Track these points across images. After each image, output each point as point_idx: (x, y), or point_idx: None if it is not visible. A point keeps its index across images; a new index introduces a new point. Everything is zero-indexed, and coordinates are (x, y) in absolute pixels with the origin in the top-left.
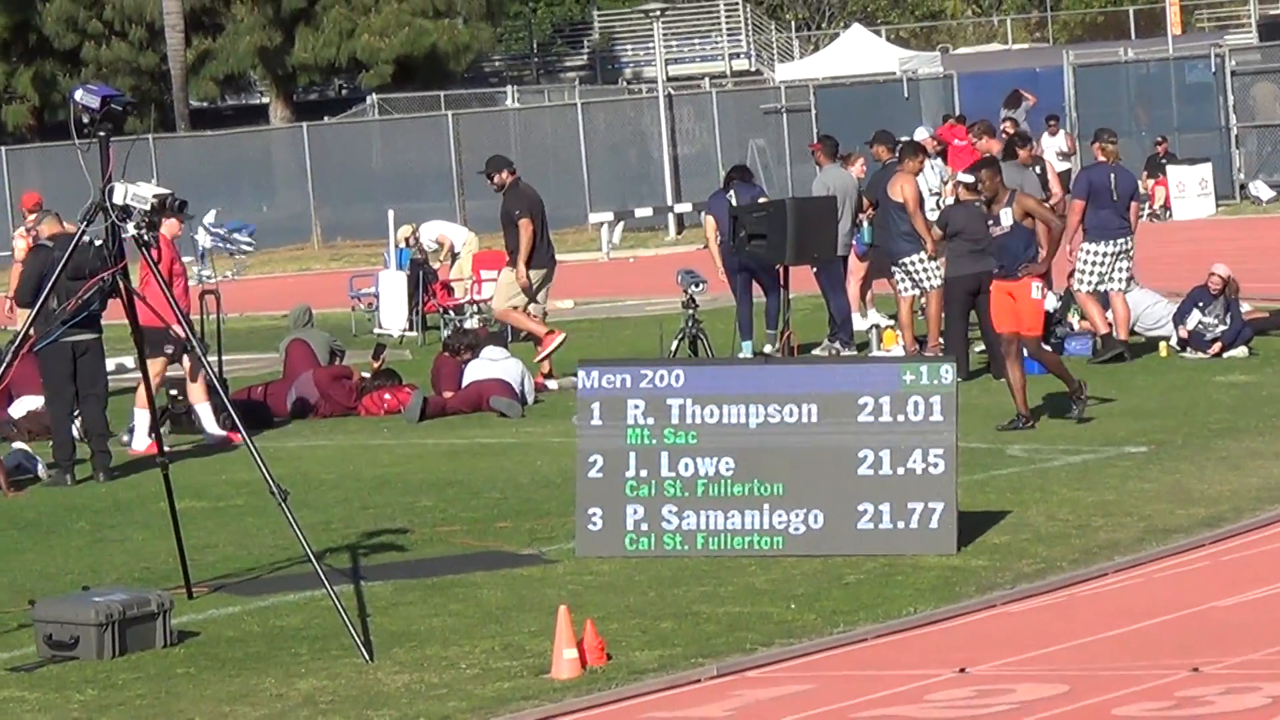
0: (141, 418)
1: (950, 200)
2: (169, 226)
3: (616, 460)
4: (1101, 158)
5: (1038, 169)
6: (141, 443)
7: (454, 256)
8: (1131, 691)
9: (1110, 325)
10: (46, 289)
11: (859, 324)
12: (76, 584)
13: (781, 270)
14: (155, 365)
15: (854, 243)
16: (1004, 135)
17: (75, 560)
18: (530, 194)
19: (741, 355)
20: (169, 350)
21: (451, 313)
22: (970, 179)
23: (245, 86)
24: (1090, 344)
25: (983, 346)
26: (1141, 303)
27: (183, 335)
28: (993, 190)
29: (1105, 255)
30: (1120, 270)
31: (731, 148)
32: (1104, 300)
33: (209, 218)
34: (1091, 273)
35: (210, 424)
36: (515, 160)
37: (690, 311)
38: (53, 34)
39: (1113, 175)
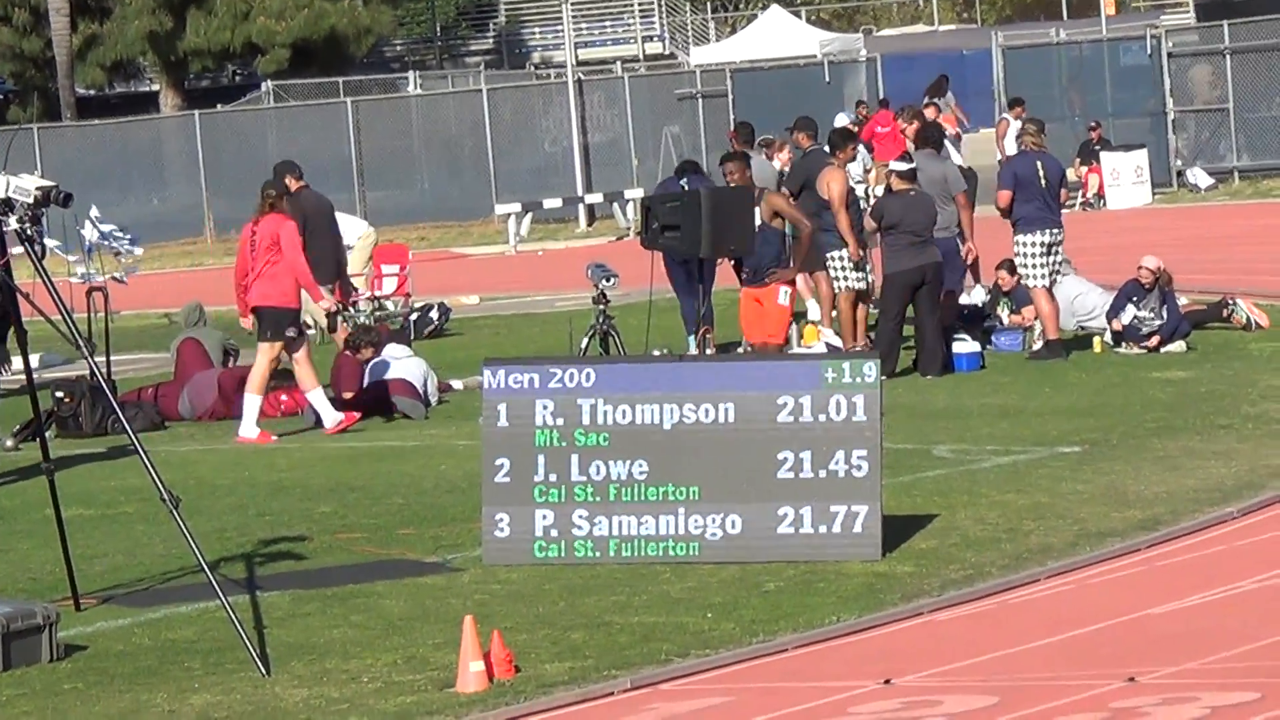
0: (252, 403)
1: (879, 190)
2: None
3: (524, 463)
4: (1023, 147)
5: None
6: (251, 430)
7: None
8: (1064, 703)
9: (1060, 332)
10: None
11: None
12: None
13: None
14: (272, 349)
15: None
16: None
17: None
18: (297, 210)
19: (691, 353)
20: (290, 333)
21: (350, 309)
22: (904, 168)
23: (134, 73)
24: (1021, 339)
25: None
26: (1071, 291)
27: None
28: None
29: (1041, 245)
30: (1054, 264)
31: (644, 135)
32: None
33: (92, 213)
34: (1036, 265)
35: (327, 413)
36: (418, 149)
37: (601, 307)
38: None
39: (1039, 164)
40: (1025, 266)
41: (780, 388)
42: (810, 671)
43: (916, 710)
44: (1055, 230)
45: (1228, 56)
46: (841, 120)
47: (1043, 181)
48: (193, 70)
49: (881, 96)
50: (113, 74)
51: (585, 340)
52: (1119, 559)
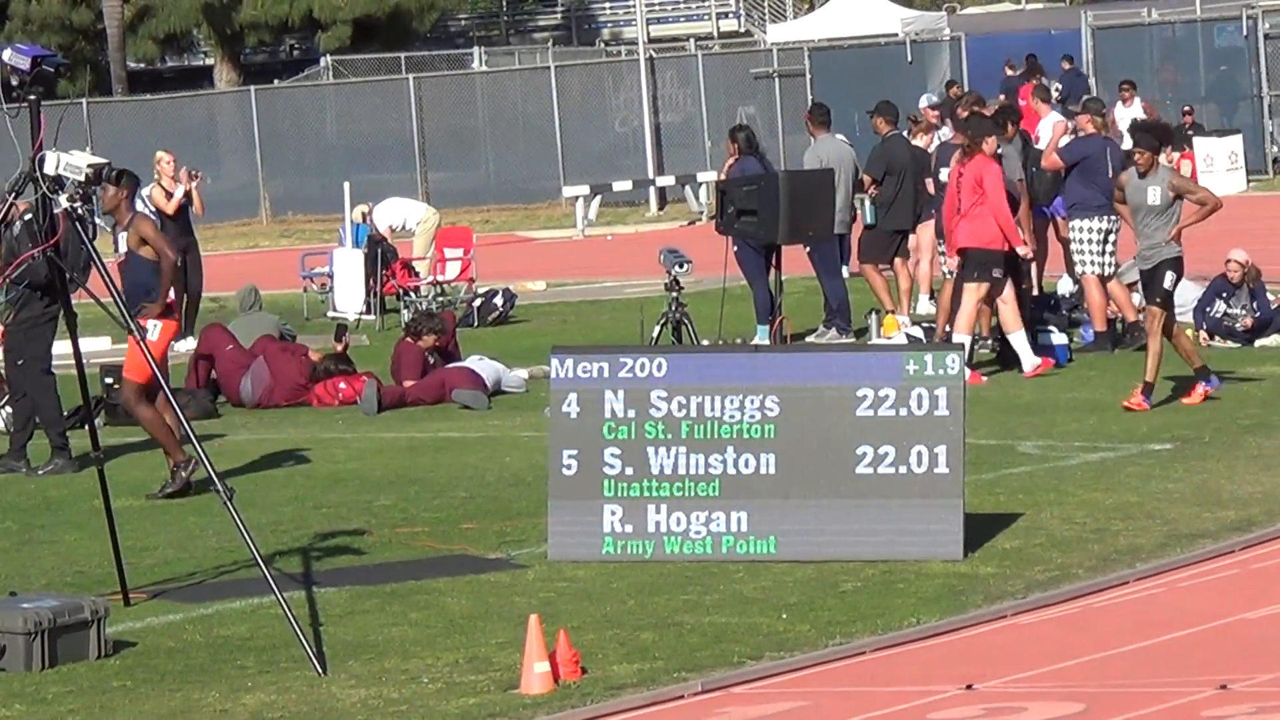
0: (1019, 340)
1: None
2: None
3: (593, 456)
4: (1090, 129)
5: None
6: (1030, 362)
7: (406, 233)
8: (1154, 710)
9: (1111, 320)
10: None
11: (923, 306)
12: (3, 589)
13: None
14: (979, 289)
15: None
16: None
17: (1, 564)
18: None
19: (757, 341)
20: (996, 274)
21: (412, 295)
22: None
23: (188, 46)
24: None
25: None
26: None
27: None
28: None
29: (1099, 231)
30: (1108, 253)
31: (718, 116)
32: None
33: (146, 191)
34: (1093, 252)
35: (1026, 357)
36: (483, 129)
37: (674, 294)
38: None
39: (1108, 149)
40: (1081, 253)
41: (860, 380)
42: (889, 675)
43: (999, 717)
44: (1114, 217)
45: None
46: (925, 101)
47: (1109, 168)
48: (249, 44)
49: (964, 77)
50: (166, 47)
51: (657, 328)
52: (1211, 561)
